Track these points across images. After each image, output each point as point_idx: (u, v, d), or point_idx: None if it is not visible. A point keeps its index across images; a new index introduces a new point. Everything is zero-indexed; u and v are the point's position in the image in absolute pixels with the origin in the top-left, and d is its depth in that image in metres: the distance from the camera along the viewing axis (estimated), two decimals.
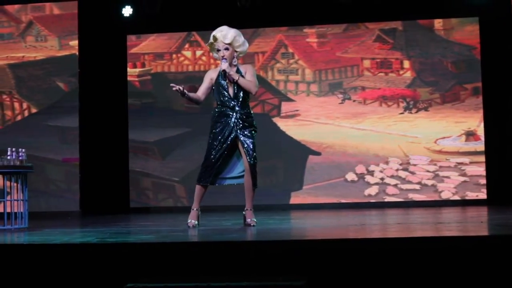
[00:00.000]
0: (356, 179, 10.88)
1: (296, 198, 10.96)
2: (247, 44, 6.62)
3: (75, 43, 11.10)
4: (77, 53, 11.06)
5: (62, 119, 10.99)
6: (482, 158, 10.60)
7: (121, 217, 9.55)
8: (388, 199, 10.74)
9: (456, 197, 10.62)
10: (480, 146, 10.64)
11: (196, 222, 6.46)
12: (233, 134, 6.42)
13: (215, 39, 6.45)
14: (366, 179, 10.85)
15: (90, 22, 11.08)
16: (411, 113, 10.89)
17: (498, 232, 5.04)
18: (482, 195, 10.54)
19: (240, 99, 6.46)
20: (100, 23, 11.09)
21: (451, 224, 6.12)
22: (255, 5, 10.47)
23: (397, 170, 10.81)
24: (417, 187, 10.73)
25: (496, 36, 10.56)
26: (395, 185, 10.79)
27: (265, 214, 8.38)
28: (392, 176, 10.80)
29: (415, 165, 10.78)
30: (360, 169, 10.86)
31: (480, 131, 10.67)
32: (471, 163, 10.65)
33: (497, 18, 10.48)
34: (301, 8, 10.81)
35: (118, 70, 11.33)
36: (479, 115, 10.70)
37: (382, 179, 10.81)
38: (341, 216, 8.03)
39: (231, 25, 10.78)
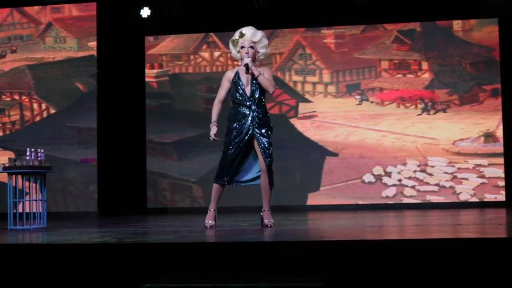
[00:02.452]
0: (373, 180, 10.85)
1: (313, 199, 10.95)
2: (269, 49, 6.66)
3: (93, 44, 11.16)
4: (96, 54, 11.11)
5: (81, 120, 11.05)
6: (501, 160, 10.54)
7: (139, 217, 9.59)
8: (405, 200, 10.71)
9: (475, 199, 10.57)
10: (499, 148, 10.58)
11: (213, 223, 6.46)
12: (250, 133, 6.41)
13: (242, 35, 6.45)
14: (383, 181, 10.82)
15: (109, 23, 11.14)
16: (429, 114, 10.84)
17: None
18: (501, 197, 10.48)
19: (257, 99, 6.45)
20: (118, 24, 11.14)
21: (469, 226, 6.09)
22: (273, 6, 10.47)
23: (414, 171, 10.77)
24: (435, 188, 10.69)
25: None
26: (413, 187, 10.75)
27: (282, 215, 8.38)
28: (409, 178, 10.77)
29: (433, 166, 10.74)
30: (378, 170, 10.83)
31: (499, 133, 10.62)
32: (489, 165, 10.60)
33: None
34: (319, 9, 10.81)
35: (136, 71, 11.38)
36: (498, 116, 10.64)
37: (399, 180, 10.77)
38: (358, 218, 8.01)
39: (249, 25, 10.76)
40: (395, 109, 10.93)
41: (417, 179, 10.76)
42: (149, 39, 11.54)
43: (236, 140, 6.43)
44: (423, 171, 10.76)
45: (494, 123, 10.65)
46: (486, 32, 10.82)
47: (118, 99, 11.19)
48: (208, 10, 10.86)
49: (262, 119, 6.45)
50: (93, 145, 10.94)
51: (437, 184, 10.70)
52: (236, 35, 6.47)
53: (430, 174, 10.74)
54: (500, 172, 10.54)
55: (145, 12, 11.04)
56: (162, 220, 8.58)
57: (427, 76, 10.92)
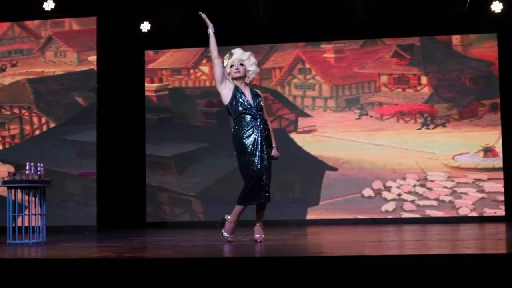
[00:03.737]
0: (373, 195, 10.85)
1: (312, 214, 10.94)
2: (258, 69, 6.74)
3: (93, 58, 11.18)
4: (96, 68, 11.13)
5: (80, 134, 11.05)
6: (500, 175, 10.54)
7: (138, 232, 9.56)
8: (405, 215, 10.70)
9: (474, 214, 10.56)
10: (498, 162, 10.59)
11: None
12: (261, 143, 6.44)
13: (231, 55, 6.59)
14: (383, 195, 10.82)
15: (109, 37, 11.17)
16: (428, 129, 10.86)
17: None
18: (501, 211, 10.48)
19: (261, 111, 6.51)
20: (118, 38, 11.17)
21: (469, 241, 6.08)
22: (273, 21, 10.50)
23: (414, 186, 10.77)
24: (435, 203, 10.69)
25: None
26: (412, 201, 10.75)
27: (282, 230, 8.36)
28: (409, 192, 10.76)
29: (432, 181, 10.74)
30: (377, 185, 10.83)
31: (498, 148, 10.63)
32: (489, 179, 10.59)
33: None
34: (318, 24, 10.83)
35: (135, 85, 11.39)
36: (497, 131, 10.65)
37: (399, 195, 10.77)
38: (358, 232, 7.99)
39: (249, 40, 10.87)
40: (394, 123, 10.95)
41: (416, 193, 10.76)
42: (149, 53, 11.57)
43: (257, 153, 6.42)
44: (423, 185, 10.76)
45: (493, 137, 10.66)
46: (485, 47, 10.85)
47: (117, 113, 11.21)
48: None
49: (268, 132, 6.50)
50: (93, 159, 10.93)
51: (436, 199, 10.69)
52: (225, 56, 6.61)
53: (430, 189, 10.74)
54: (499, 186, 10.54)
55: (145, 26, 11.06)
56: (161, 235, 8.56)
57: (426, 90, 10.94)
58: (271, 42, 11.11)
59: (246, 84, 6.59)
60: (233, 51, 6.62)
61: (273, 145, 6.50)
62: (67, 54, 11.31)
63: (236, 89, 6.50)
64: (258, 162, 6.38)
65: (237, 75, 6.50)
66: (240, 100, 6.47)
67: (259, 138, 6.40)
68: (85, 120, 11.07)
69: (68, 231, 9.90)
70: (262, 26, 10.49)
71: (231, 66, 6.57)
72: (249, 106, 6.45)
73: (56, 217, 10.66)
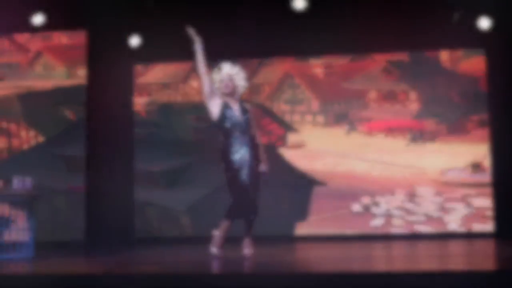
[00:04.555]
0: (361, 210, 10.84)
1: (301, 229, 10.91)
2: (247, 83, 6.73)
3: (82, 72, 11.16)
4: (85, 83, 11.09)
5: (69, 148, 11.00)
6: (489, 191, 10.55)
7: (126, 247, 9.50)
8: (393, 230, 10.68)
9: (462, 229, 10.56)
10: (487, 178, 10.60)
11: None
12: (249, 163, 6.41)
13: (220, 69, 6.59)
14: (371, 211, 10.81)
15: (98, 51, 11.13)
16: (417, 144, 10.87)
17: (507, 267, 4.99)
18: (489, 227, 10.48)
19: (249, 128, 6.50)
20: (108, 52, 11.13)
21: (457, 257, 6.07)
22: (260, 35, 10.50)
23: (402, 201, 10.77)
24: (423, 218, 10.68)
25: (502, 67, 10.56)
26: (401, 217, 10.74)
27: (269, 245, 8.34)
28: (398, 208, 10.76)
29: (421, 196, 10.74)
30: (366, 200, 10.83)
31: (487, 163, 10.64)
32: (477, 195, 10.60)
33: (503, 49, 10.50)
34: (308, 38, 10.84)
35: (124, 99, 11.35)
36: (485, 147, 10.67)
37: (387, 210, 10.76)
38: (346, 248, 7.98)
39: (237, 54, 10.86)
40: (383, 139, 10.96)
41: (405, 209, 10.75)
42: (138, 67, 11.55)
43: (244, 169, 6.39)
44: (411, 201, 10.76)
45: (481, 153, 10.69)
46: (473, 63, 10.90)
47: (106, 128, 11.16)
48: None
49: (256, 147, 6.50)
50: (81, 174, 10.88)
51: (425, 214, 10.69)
52: (214, 71, 6.62)
53: (418, 204, 10.73)
54: (488, 202, 10.55)
55: (135, 40, 11.05)
56: (150, 250, 8.54)
57: (415, 106, 10.97)
58: (260, 57, 11.12)
59: (236, 99, 6.60)
60: (222, 65, 6.63)
61: (262, 160, 6.50)
62: (56, 68, 11.28)
63: (225, 106, 6.51)
64: (245, 178, 6.36)
65: (226, 91, 6.51)
66: (228, 116, 6.47)
67: (247, 154, 6.40)
68: (74, 134, 11.02)
69: (55, 246, 9.81)
70: (250, 41, 10.50)
71: (221, 81, 6.59)
72: (237, 122, 6.45)
73: (44, 232, 10.59)
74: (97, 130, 11.08)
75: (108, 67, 11.19)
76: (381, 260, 6.00)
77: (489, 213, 10.52)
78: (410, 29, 10.59)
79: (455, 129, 10.83)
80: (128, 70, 11.43)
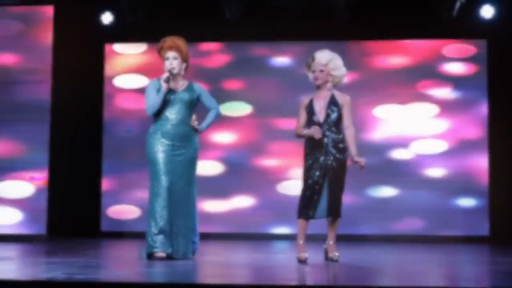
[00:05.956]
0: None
1: None
2: (344, 70, 6.19)
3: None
4: (51, 63, 10.22)
5: (32, 134, 10.14)
6: (485, 195, 10.10)
7: (91, 242, 8.97)
8: (388, 233, 10.14)
9: (458, 234, 10.10)
10: (483, 183, 10.13)
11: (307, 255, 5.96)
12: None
13: (313, 59, 6.13)
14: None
15: (66, 29, 10.28)
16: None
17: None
18: (484, 232, 10.03)
19: (333, 124, 6.04)
20: (76, 31, 10.29)
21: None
22: (247, 17, 9.97)
23: (397, 203, 10.21)
24: (418, 222, 10.15)
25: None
26: (395, 219, 10.16)
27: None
28: (393, 210, 10.19)
29: (416, 199, 10.16)
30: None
31: (484, 167, 10.17)
32: (473, 199, 10.13)
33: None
34: (288, 23, 10.16)
35: (94, 82, 10.56)
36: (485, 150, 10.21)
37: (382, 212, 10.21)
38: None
39: (219, 37, 10.30)
40: None
41: (399, 211, 10.17)
42: (110, 48, 10.71)
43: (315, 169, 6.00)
44: (406, 203, 10.20)
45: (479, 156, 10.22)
46: (474, 53, 10.39)
47: (73, 112, 10.36)
48: (176, 19, 10.12)
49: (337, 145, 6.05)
50: (44, 163, 10.05)
51: (420, 217, 10.14)
52: (309, 59, 6.15)
53: (413, 207, 10.17)
54: (484, 207, 10.08)
55: (107, 18, 10.27)
56: (117, 247, 8.13)
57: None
58: (244, 39, 10.44)
59: (329, 89, 6.07)
60: (315, 53, 6.12)
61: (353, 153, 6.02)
62: None
63: (310, 104, 6.07)
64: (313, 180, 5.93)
65: (318, 82, 6.03)
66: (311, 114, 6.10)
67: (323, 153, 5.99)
68: (37, 118, 10.17)
69: (14, 241, 9.24)
70: (234, 22, 9.91)
71: (313, 72, 6.11)
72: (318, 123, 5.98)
73: (1, 225, 9.87)
74: (63, 115, 10.28)
75: (76, 46, 10.36)
76: (372, 267, 5.38)
77: (485, 217, 10.06)
78: (408, 17, 10.11)
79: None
80: (99, 49, 10.64)
